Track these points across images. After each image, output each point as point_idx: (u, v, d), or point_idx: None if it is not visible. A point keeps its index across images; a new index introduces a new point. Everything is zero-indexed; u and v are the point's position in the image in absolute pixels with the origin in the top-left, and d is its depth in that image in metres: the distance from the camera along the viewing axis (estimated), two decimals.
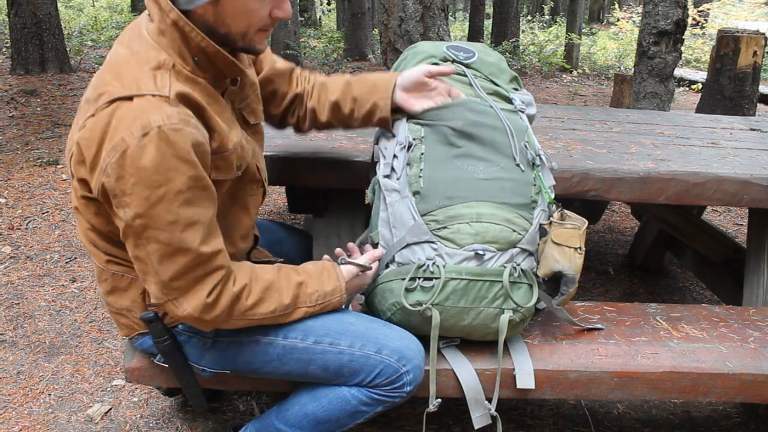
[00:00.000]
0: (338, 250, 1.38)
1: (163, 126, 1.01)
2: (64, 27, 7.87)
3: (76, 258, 2.72)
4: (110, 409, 1.83)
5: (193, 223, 1.07)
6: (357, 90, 1.41)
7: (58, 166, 3.74)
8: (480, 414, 1.37)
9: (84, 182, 1.11)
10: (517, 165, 1.33)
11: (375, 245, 1.38)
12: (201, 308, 1.12)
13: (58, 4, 7.19)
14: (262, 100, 1.38)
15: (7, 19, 6.56)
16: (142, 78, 1.05)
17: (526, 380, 1.37)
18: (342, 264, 1.32)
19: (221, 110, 1.17)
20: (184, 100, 1.07)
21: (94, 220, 1.17)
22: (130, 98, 1.03)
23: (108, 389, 1.91)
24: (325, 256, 1.38)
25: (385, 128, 1.41)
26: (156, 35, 1.10)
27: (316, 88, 1.47)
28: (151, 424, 1.77)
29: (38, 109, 5.10)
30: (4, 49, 7.71)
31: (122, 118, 1.01)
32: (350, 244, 1.41)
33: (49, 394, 1.88)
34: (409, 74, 1.37)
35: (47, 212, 3.16)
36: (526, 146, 1.36)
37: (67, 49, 6.78)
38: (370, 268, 1.33)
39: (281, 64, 1.46)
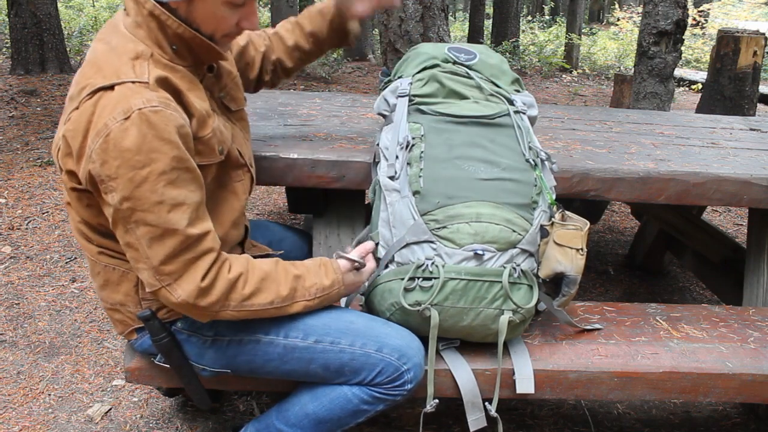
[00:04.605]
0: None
1: (143, 108, 1.03)
2: (64, 27, 7.87)
3: (76, 258, 2.72)
4: (110, 409, 1.83)
5: (179, 204, 1.08)
6: (309, 25, 1.54)
7: None
8: (476, 417, 1.37)
9: (72, 174, 1.12)
10: (527, 160, 1.34)
11: (375, 245, 1.38)
12: (196, 293, 1.12)
13: (58, 4, 7.19)
14: (240, 72, 1.44)
15: (7, 19, 6.56)
16: (122, 68, 1.08)
17: (525, 385, 1.37)
18: (336, 258, 1.33)
19: (201, 96, 1.19)
20: (163, 84, 1.10)
21: (85, 213, 1.18)
22: (111, 87, 1.06)
23: (108, 389, 1.91)
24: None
25: (346, 41, 1.59)
26: (133, 28, 1.13)
27: (274, 40, 1.57)
28: (151, 424, 1.77)
29: (38, 109, 5.10)
30: (4, 49, 7.71)
31: (105, 106, 1.05)
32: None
33: (49, 394, 1.88)
34: None
35: (47, 212, 3.16)
36: (528, 147, 1.37)
37: (67, 49, 6.79)
38: (364, 264, 1.33)
39: (241, 37, 1.52)
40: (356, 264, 1.32)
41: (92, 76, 1.09)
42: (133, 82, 1.06)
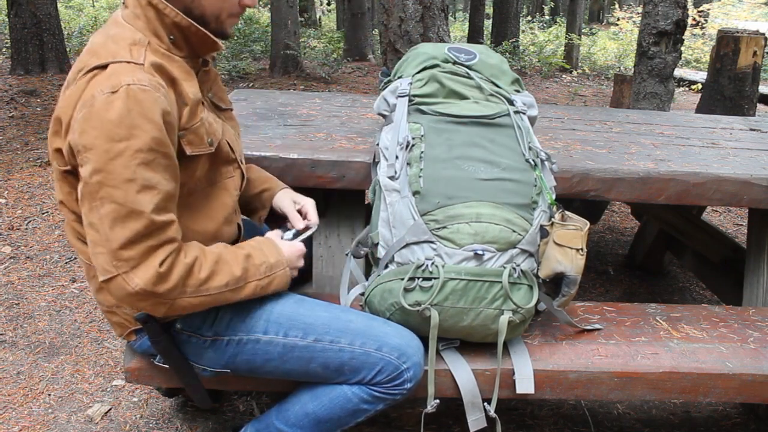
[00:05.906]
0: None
1: (132, 84, 1.04)
2: (64, 27, 7.87)
3: (76, 258, 2.72)
4: (110, 409, 1.83)
5: (150, 187, 1.06)
6: (253, 174, 1.50)
7: None
8: (476, 417, 1.37)
9: (59, 153, 1.12)
10: (527, 161, 1.34)
11: (375, 245, 1.38)
12: (154, 279, 1.08)
13: (58, 4, 7.20)
14: None
15: (7, 19, 6.57)
16: (119, 51, 1.10)
17: (525, 385, 1.37)
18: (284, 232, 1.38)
19: (194, 86, 1.20)
20: (158, 70, 1.11)
21: (77, 208, 1.16)
22: (105, 66, 1.07)
23: (108, 389, 1.91)
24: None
25: (252, 213, 1.52)
26: (131, 19, 1.16)
27: None
28: (151, 424, 1.77)
29: (38, 109, 5.11)
30: (4, 50, 7.71)
31: (97, 82, 1.06)
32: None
33: (49, 394, 1.88)
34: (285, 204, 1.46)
35: (47, 212, 3.16)
36: (528, 147, 1.37)
37: (67, 49, 6.79)
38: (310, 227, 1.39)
39: None
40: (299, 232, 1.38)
41: (89, 60, 1.10)
42: (128, 62, 1.08)
